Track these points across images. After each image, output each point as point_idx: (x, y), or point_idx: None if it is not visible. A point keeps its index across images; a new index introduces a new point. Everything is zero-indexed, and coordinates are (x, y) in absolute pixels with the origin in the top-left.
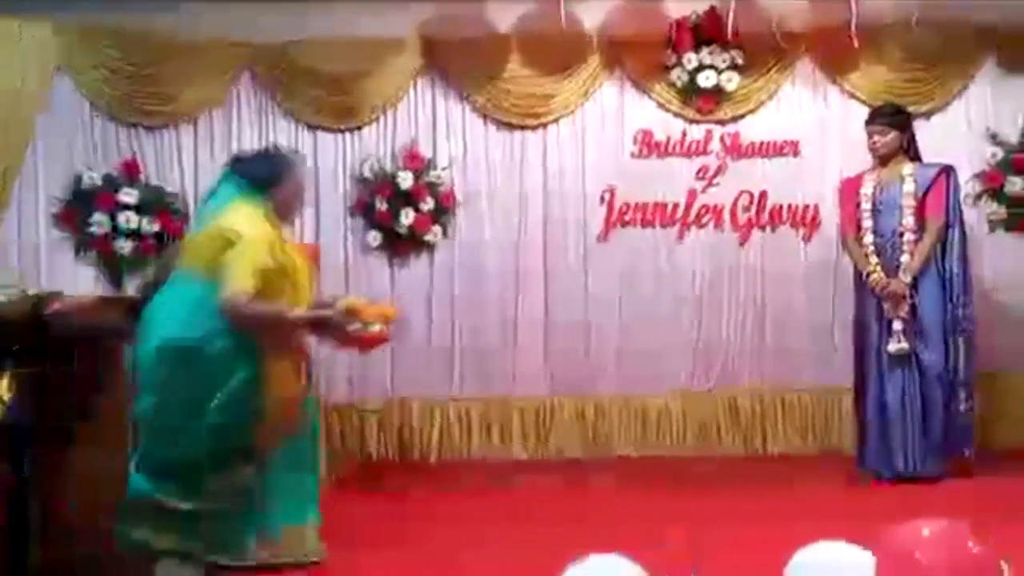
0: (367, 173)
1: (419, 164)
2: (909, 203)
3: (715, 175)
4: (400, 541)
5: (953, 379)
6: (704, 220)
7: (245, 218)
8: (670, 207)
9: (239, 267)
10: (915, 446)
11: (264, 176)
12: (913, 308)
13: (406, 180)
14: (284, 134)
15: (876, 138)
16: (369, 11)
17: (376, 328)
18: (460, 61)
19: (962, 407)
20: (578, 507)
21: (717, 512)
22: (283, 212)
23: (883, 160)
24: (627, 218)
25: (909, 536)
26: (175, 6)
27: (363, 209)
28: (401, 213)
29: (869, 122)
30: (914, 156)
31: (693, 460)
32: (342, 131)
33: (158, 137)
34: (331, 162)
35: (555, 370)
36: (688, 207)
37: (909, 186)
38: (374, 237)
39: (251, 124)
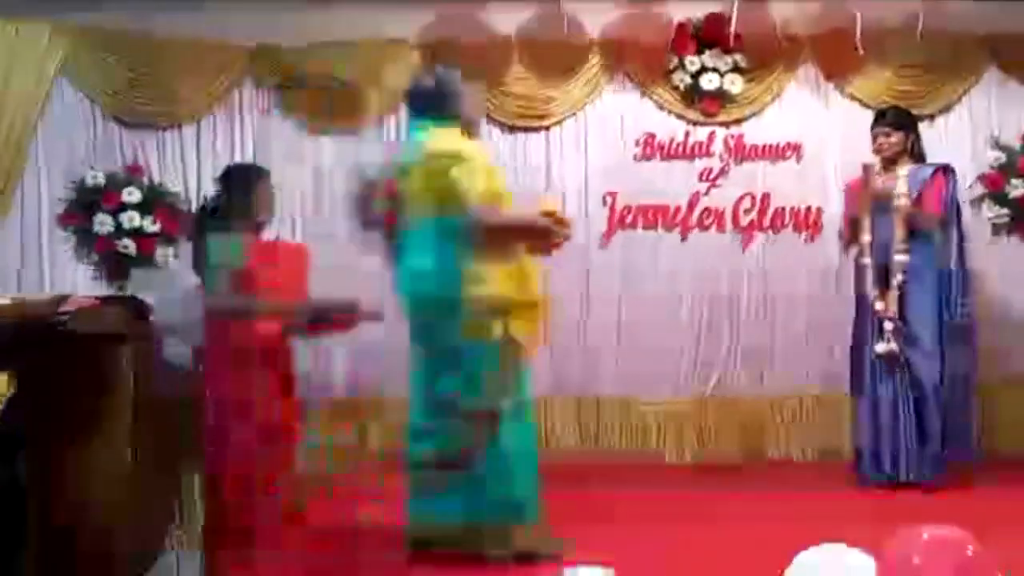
0: (368, 174)
1: None
2: (900, 203)
3: (718, 177)
4: None
5: (952, 383)
6: (707, 223)
7: (454, 139)
8: (673, 210)
9: (484, 186)
10: (910, 452)
11: (444, 99)
12: (903, 309)
13: None
14: (286, 136)
15: (881, 140)
16: (370, 14)
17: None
18: (462, 64)
19: (961, 412)
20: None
21: (715, 515)
22: (471, 125)
23: (888, 162)
24: (630, 221)
25: (909, 541)
26: (177, 7)
27: (363, 210)
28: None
29: (875, 124)
30: (918, 158)
31: (694, 464)
32: (344, 133)
33: (160, 138)
34: (333, 165)
35: (556, 372)
36: (691, 209)
37: (902, 187)
38: (378, 240)
39: (253, 125)
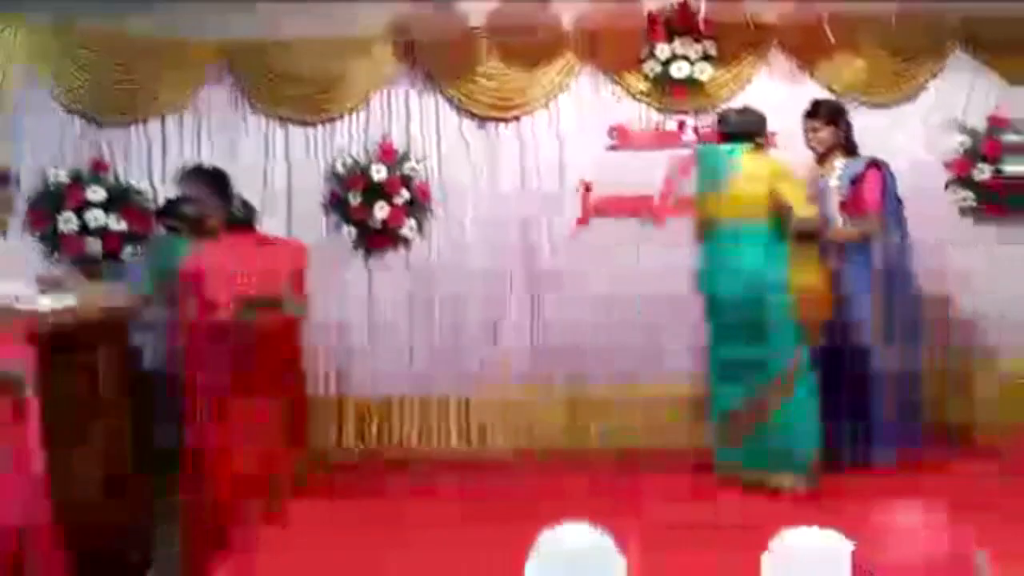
0: (340, 168)
1: (392, 157)
2: (834, 198)
3: (690, 165)
4: (373, 542)
5: (900, 371)
6: (681, 211)
7: (771, 157)
8: (647, 198)
9: (800, 193)
10: (861, 437)
11: (757, 126)
12: (841, 301)
13: (380, 172)
14: (256, 130)
15: (811, 134)
16: (342, 7)
17: None
18: (434, 55)
19: (907, 397)
20: (555, 503)
21: (692, 497)
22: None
23: (822, 156)
24: (604, 210)
25: (884, 522)
26: (148, 6)
27: (337, 204)
28: (375, 207)
29: (806, 119)
30: (850, 151)
31: (672, 450)
32: (315, 126)
33: (128, 134)
34: (304, 157)
35: (535, 363)
36: (664, 198)
37: (834, 181)
38: (349, 232)
39: (222, 120)
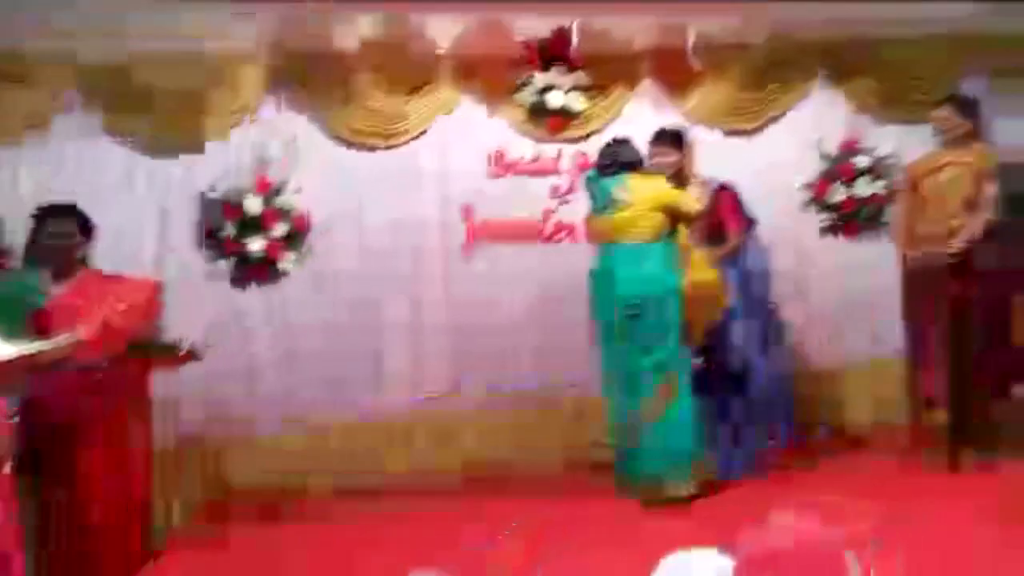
0: (212, 198)
1: (268, 187)
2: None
3: (567, 193)
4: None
5: (764, 382)
6: (560, 237)
7: (655, 177)
8: (528, 225)
9: (686, 195)
10: (730, 446)
11: (637, 155)
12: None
13: (255, 204)
14: (118, 156)
15: (659, 159)
16: (213, 26)
17: None
18: (309, 79)
19: (777, 406)
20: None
21: (575, 520)
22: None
23: (674, 181)
24: (487, 237)
25: (759, 534)
26: None
27: (210, 236)
28: (251, 238)
29: (652, 143)
30: (691, 176)
31: (556, 472)
32: (184, 153)
33: None
34: (174, 187)
35: (418, 391)
36: (544, 225)
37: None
38: (223, 265)
39: (80, 147)
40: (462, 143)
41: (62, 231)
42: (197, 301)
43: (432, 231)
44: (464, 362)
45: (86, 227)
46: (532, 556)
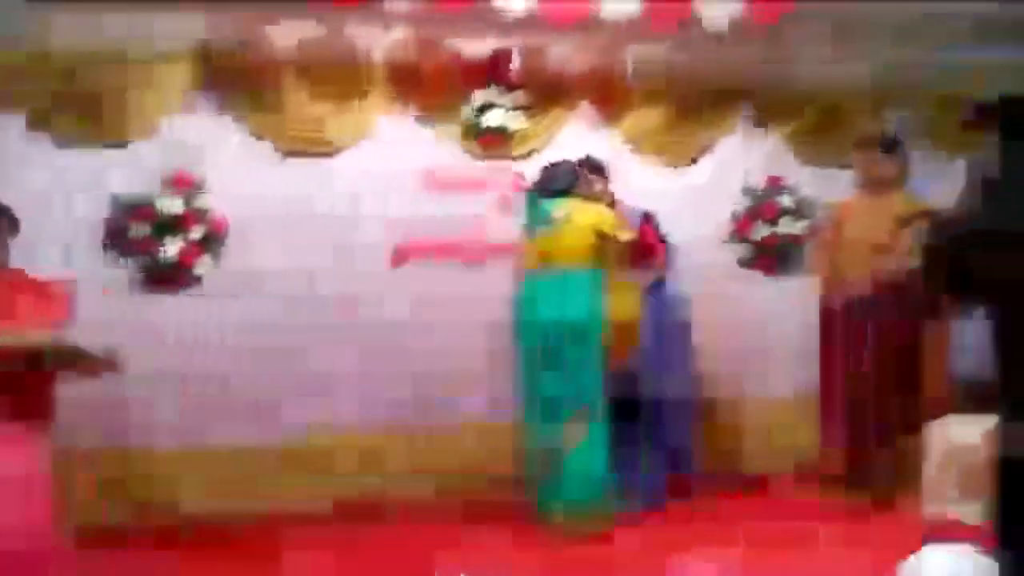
0: (125, 197)
1: (186, 187)
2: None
3: (503, 212)
4: None
5: (673, 411)
6: (490, 257)
7: (593, 204)
8: (460, 243)
9: (618, 223)
10: (634, 480)
11: (571, 182)
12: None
13: (171, 206)
14: (36, 155)
15: (596, 186)
16: (138, 23)
17: None
18: (235, 81)
19: (681, 436)
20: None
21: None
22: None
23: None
24: (418, 254)
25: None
26: None
27: (119, 237)
28: (165, 241)
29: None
30: (613, 204)
31: (480, 498)
32: (98, 150)
33: None
34: (83, 186)
35: (342, 408)
36: (477, 242)
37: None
38: (133, 269)
39: None
40: (395, 157)
41: None
42: (99, 306)
43: (353, 248)
44: (368, 384)
45: (14, 227)
46: None
